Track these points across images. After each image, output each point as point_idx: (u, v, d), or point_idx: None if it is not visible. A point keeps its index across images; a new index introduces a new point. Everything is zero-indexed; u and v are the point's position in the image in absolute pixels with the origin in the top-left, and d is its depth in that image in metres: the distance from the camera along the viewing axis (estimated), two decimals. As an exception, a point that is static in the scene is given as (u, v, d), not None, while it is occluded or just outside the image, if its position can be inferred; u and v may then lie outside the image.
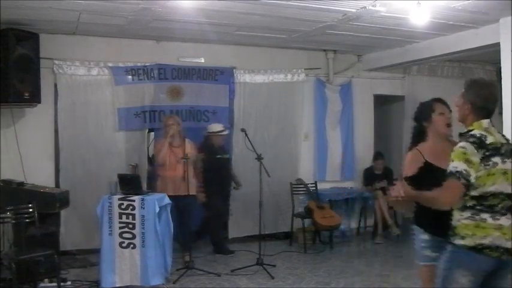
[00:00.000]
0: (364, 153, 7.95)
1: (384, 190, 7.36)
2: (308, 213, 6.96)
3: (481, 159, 2.58)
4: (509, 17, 5.24)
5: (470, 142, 2.60)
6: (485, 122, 2.71)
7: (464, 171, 2.54)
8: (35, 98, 5.69)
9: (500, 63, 5.56)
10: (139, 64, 6.63)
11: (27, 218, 4.85)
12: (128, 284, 4.89)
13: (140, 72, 6.62)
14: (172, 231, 5.27)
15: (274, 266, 5.85)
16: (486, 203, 2.62)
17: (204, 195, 6.22)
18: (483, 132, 2.65)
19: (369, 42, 6.79)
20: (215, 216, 6.45)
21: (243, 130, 5.99)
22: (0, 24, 5.34)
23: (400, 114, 8.44)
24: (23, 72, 5.50)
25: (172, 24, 5.80)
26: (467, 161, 2.56)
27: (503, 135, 2.78)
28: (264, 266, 5.69)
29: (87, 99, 6.40)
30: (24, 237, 4.90)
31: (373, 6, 4.93)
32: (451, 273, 2.67)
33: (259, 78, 7.34)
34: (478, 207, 2.63)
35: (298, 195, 7.32)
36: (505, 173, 2.65)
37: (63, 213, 5.71)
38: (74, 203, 5.72)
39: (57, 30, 6.04)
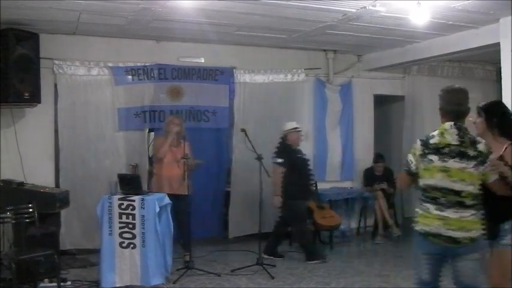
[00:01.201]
0: (364, 153, 7.95)
1: (384, 191, 7.37)
2: (308, 213, 6.95)
3: (420, 155, 3.11)
4: (509, 17, 5.24)
5: (420, 140, 3.16)
6: (447, 125, 3.12)
7: (409, 161, 3.20)
8: (35, 98, 5.69)
9: (500, 63, 5.56)
10: (139, 64, 6.63)
11: (27, 218, 4.84)
12: (128, 284, 4.88)
13: (140, 72, 6.62)
14: (173, 231, 5.27)
15: (274, 266, 5.86)
16: (429, 194, 3.08)
17: (281, 199, 6.11)
18: (437, 133, 3.11)
19: (369, 42, 6.79)
20: (299, 219, 6.27)
21: (243, 130, 5.99)
22: (0, 24, 5.34)
23: (400, 114, 8.45)
24: (23, 72, 5.50)
25: (172, 24, 5.80)
26: (413, 155, 3.17)
27: (464, 138, 3.06)
28: (264, 266, 5.69)
29: (87, 99, 6.41)
30: (24, 237, 4.90)
31: (373, 6, 4.93)
32: (415, 254, 3.22)
33: (259, 78, 7.34)
34: (423, 198, 3.13)
35: (298, 195, 7.30)
36: (444, 170, 3.03)
37: (63, 213, 5.71)
38: (74, 203, 5.72)
39: (57, 30, 6.04)
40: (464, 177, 3.01)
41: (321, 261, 6.11)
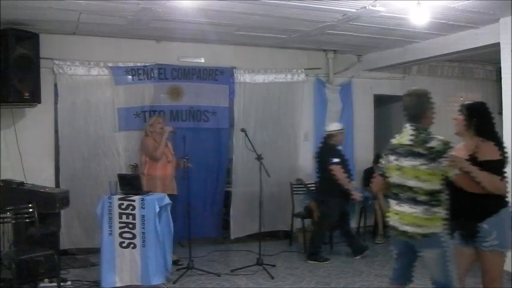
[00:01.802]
0: (364, 154, 7.94)
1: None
2: (308, 213, 6.96)
3: (385, 156, 3.44)
4: (509, 17, 5.24)
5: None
6: (406, 126, 3.37)
7: (382, 165, 3.49)
8: (35, 98, 5.69)
9: (500, 63, 5.56)
10: (139, 64, 6.63)
11: (27, 218, 4.85)
12: (128, 284, 4.89)
13: (140, 72, 6.62)
14: (173, 231, 5.27)
15: (274, 266, 5.86)
16: (392, 191, 3.35)
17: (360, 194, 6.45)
18: (398, 134, 3.41)
19: (369, 42, 6.79)
20: (341, 216, 6.47)
21: (243, 130, 5.99)
22: (0, 24, 5.34)
23: (400, 114, 8.40)
24: (23, 72, 5.50)
25: (172, 24, 5.80)
26: (383, 156, 3.49)
27: (416, 137, 3.23)
28: (264, 266, 5.70)
29: (87, 99, 6.40)
30: (24, 237, 4.91)
31: (373, 6, 4.93)
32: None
33: (259, 78, 7.34)
34: (389, 194, 3.40)
35: (298, 195, 7.32)
36: (398, 169, 3.28)
37: (63, 213, 5.71)
38: (74, 203, 5.71)
39: (57, 30, 6.04)
40: (415, 174, 3.19)
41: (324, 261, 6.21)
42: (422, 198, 3.17)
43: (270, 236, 7.23)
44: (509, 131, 5.33)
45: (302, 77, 7.55)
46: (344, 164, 6.31)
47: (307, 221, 7.01)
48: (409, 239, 3.23)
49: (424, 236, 3.15)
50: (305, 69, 7.56)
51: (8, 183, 5.25)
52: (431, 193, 3.16)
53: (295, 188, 7.25)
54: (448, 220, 3.17)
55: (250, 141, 5.83)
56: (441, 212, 3.16)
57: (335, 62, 7.80)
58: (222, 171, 7.28)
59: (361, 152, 7.96)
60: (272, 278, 5.47)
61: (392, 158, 3.35)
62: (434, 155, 3.12)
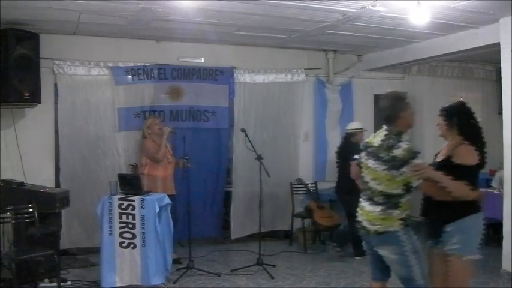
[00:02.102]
0: (364, 153, 7.93)
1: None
2: (308, 213, 6.96)
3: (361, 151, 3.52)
4: (509, 17, 5.24)
5: None
6: (382, 126, 3.42)
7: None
8: (35, 98, 5.69)
9: (500, 63, 5.56)
10: (139, 64, 6.62)
11: (27, 218, 4.85)
12: (128, 284, 4.89)
13: (140, 72, 6.62)
14: (173, 231, 5.27)
15: (274, 266, 5.86)
16: (365, 189, 3.41)
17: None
18: (373, 134, 3.50)
19: (369, 42, 6.78)
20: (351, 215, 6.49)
21: (243, 130, 5.99)
22: (0, 24, 5.34)
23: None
24: (23, 72, 5.49)
25: (172, 24, 5.80)
26: None
27: (385, 141, 3.30)
28: (264, 266, 5.70)
29: (87, 99, 6.40)
30: (24, 237, 4.91)
31: (373, 6, 4.93)
32: None
33: (259, 78, 7.33)
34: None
35: (298, 195, 7.32)
36: (366, 167, 3.40)
37: (63, 213, 5.70)
38: (74, 203, 5.71)
39: (57, 30, 6.04)
40: (375, 176, 3.30)
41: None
42: (378, 199, 3.27)
43: (270, 236, 7.23)
44: (509, 131, 5.33)
45: (302, 77, 7.55)
46: None
47: (307, 221, 7.02)
48: (367, 234, 3.35)
49: (379, 233, 3.26)
50: (305, 69, 7.56)
51: (8, 183, 5.25)
52: (388, 196, 3.23)
53: (295, 188, 7.26)
54: (406, 219, 3.24)
55: (250, 141, 5.83)
56: (398, 213, 3.22)
57: (335, 62, 7.80)
58: (222, 171, 7.28)
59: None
60: (272, 278, 5.48)
61: (363, 155, 3.48)
62: (395, 164, 3.17)
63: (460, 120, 3.43)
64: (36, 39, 5.69)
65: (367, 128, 8.07)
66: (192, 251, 5.65)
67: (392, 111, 3.34)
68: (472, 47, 6.04)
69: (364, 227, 3.38)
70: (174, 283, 5.23)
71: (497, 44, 5.48)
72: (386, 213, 3.24)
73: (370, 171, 3.34)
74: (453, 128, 3.41)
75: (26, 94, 5.52)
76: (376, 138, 3.39)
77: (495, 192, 6.21)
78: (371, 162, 3.34)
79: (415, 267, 3.22)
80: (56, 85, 6.25)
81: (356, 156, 6.35)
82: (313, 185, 7.40)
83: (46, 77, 6.02)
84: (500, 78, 5.58)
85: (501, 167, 5.77)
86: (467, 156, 3.24)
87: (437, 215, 3.32)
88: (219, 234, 7.24)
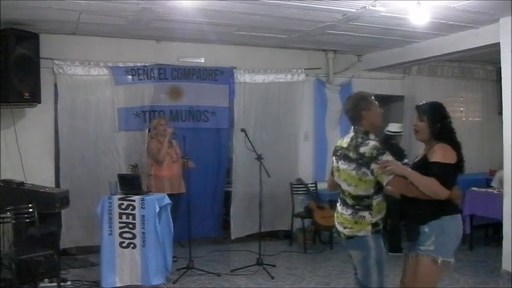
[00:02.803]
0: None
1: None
2: (308, 213, 6.96)
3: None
4: (509, 17, 5.24)
5: None
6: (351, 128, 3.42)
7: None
8: (35, 98, 5.69)
9: (500, 63, 5.56)
10: (139, 64, 6.62)
11: (27, 218, 4.85)
12: (128, 284, 4.89)
13: (140, 72, 6.62)
14: (173, 231, 5.27)
15: (274, 266, 5.86)
16: (340, 192, 3.39)
17: None
18: (342, 137, 3.51)
19: (369, 42, 6.78)
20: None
21: (243, 130, 5.99)
22: (0, 24, 5.34)
23: (399, 114, 8.45)
24: (23, 72, 5.49)
25: (172, 24, 5.80)
26: None
27: (352, 141, 3.31)
28: (264, 266, 5.70)
29: (87, 99, 6.40)
30: (24, 237, 4.91)
31: (373, 6, 4.93)
32: None
33: (259, 78, 7.33)
34: None
35: (298, 195, 7.32)
36: (337, 170, 3.40)
37: (63, 213, 5.71)
38: (74, 203, 5.71)
39: (57, 30, 6.04)
40: (345, 178, 3.28)
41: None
42: (349, 201, 3.26)
43: (270, 236, 7.23)
44: (509, 131, 5.33)
45: (302, 77, 7.55)
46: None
47: (307, 221, 7.02)
48: (339, 237, 3.39)
49: (348, 237, 3.26)
50: (305, 69, 7.55)
51: (8, 183, 5.25)
52: (358, 198, 3.22)
53: (295, 188, 7.26)
54: (378, 225, 3.20)
55: (250, 141, 5.83)
56: (369, 216, 3.19)
57: (335, 62, 7.80)
58: (222, 171, 7.28)
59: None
60: (272, 278, 5.48)
61: (334, 158, 3.47)
62: (364, 161, 3.16)
63: (443, 121, 3.27)
64: (36, 39, 5.69)
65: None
66: (192, 251, 5.65)
67: (355, 111, 3.37)
68: (472, 47, 6.04)
69: (336, 230, 3.39)
70: (174, 283, 5.23)
71: (497, 44, 5.49)
72: (357, 216, 3.21)
73: (341, 173, 3.32)
74: (432, 129, 3.24)
75: (26, 94, 5.52)
76: (345, 140, 3.39)
77: (495, 192, 6.21)
78: (341, 164, 3.32)
79: (374, 275, 3.21)
80: (56, 85, 6.25)
81: (406, 160, 6.45)
82: (313, 185, 7.39)
83: (46, 77, 6.02)
84: (500, 78, 5.58)
85: (501, 167, 5.77)
86: (443, 154, 3.12)
87: (413, 216, 3.23)
88: (219, 233, 7.24)
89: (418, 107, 3.38)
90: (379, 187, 3.20)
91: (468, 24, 5.67)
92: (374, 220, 3.19)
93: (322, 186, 7.51)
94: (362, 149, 3.18)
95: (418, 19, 4.85)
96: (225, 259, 6.37)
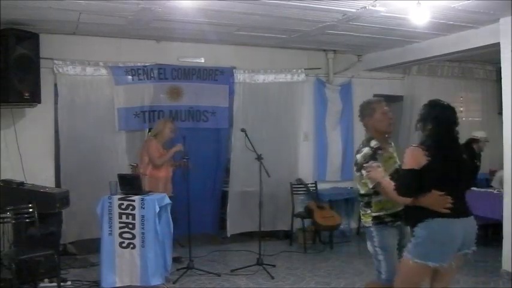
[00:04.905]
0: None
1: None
2: (308, 213, 6.96)
3: None
4: (509, 17, 5.24)
5: None
6: None
7: None
8: (35, 98, 5.69)
9: (500, 63, 5.56)
10: (139, 64, 6.63)
11: (27, 218, 4.85)
12: (128, 284, 4.89)
13: (140, 72, 6.62)
14: (173, 231, 5.27)
15: (274, 266, 5.86)
16: None
17: None
18: None
19: (369, 42, 6.79)
20: None
21: (243, 130, 5.98)
22: (0, 24, 5.34)
23: (399, 114, 8.45)
24: (23, 72, 5.50)
25: (172, 24, 5.80)
26: None
27: (361, 143, 3.63)
28: (264, 266, 5.70)
29: (87, 99, 6.40)
30: (24, 237, 4.91)
31: (373, 6, 4.93)
32: None
33: (259, 78, 7.34)
34: None
35: (298, 195, 7.32)
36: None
37: (63, 213, 5.71)
38: (74, 203, 5.71)
39: (57, 30, 6.04)
40: (355, 178, 3.77)
41: None
42: (359, 198, 3.67)
43: (270, 236, 7.23)
44: (509, 131, 5.33)
45: (302, 77, 7.55)
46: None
47: (307, 221, 7.02)
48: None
49: (363, 227, 3.71)
50: (305, 69, 7.55)
51: (8, 183, 5.25)
52: (362, 196, 3.61)
53: (295, 188, 7.26)
54: (380, 218, 3.50)
55: (250, 141, 5.83)
56: (370, 212, 3.54)
57: (335, 62, 7.80)
58: (221, 170, 7.29)
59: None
60: (272, 278, 5.47)
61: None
62: (357, 167, 3.53)
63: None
64: (36, 39, 5.69)
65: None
66: (192, 251, 5.64)
67: (361, 119, 3.70)
68: (472, 47, 6.05)
69: None
70: (174, 283, 5.22)
71: (497, 44, 5.49)
72: (363, 211, 3.61)
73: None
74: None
75: (26, 94, 5.52)
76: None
77: (495, 192, 6.21)
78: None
79: (383, 262, 3.50)
80: (56, 85, 6.25)
81: (474, 188, 6.58)
82: (313, 185, 7.39)
83: (46, 77, 6.02)
84: (500, 78, 5.58)
85: (501, 167, 5.77)
86: (406, 158, 3.14)
87: (405, 219, 3.38)
88: (217, 231, 7.27)
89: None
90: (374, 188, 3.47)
91: (468, 24, 5.67)
92: (374, 215, 3.52)
93: (322, 186, 7.54)
94: (357, 156, 3.55)
95: (418, 19, 4.85)
96: (225, 259, 6.37)
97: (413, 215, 3.17)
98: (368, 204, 3.55)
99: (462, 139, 3.41)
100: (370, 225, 3.55)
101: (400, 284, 3.25)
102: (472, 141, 6.84)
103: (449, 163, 3.09)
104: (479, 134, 7.04)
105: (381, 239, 3.51)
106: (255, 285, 5.28)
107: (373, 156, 3.45)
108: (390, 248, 3.51)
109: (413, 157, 3.08)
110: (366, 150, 3.50)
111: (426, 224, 3.08)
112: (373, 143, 3.51)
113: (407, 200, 3.14)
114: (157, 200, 4.97)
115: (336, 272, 5.78)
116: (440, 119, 3.16)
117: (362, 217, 3.66)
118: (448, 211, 3.05)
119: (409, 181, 3.08)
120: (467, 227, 3.15)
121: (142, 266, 4.83)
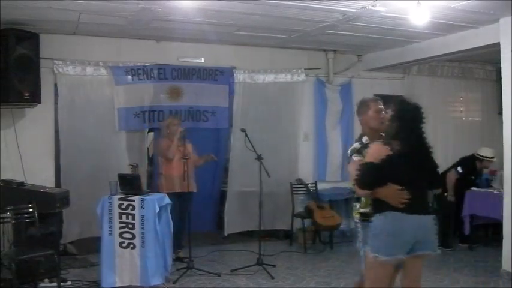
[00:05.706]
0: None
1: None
2: (308, 213, 6.96)
3: None
4: (509, 17, 5.24)
5: None
6: None
7: None
8: (35, 98, 5.69)
9: (500, 63, 5.56)
10: (139, 64, 6.63)
11: (27, 218, 4.85)
12: (128, 284, 4.89)
13: (140, 72, 6.62)
14: (172, 231, 5.27)
15: (274, 266, 5.86)
16: None
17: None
18: None
19: (369, 42, 6.79)
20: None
21: (243, 130, 5.98)
22: (0, 24, 5.34)
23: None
24: (23, 72, 5.50)
25: (172, 24, 5.80)
26: None
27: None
28: (264, 266, 5.70)
29: (87, 99, 6.40)
30: (24, 237, 4.90)
31: (373, 6, 4.94)
32: None
33: (259, 78, 7.34)
34: None
35: (298, 195, 7.32)
36: None
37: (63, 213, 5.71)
38: (74, 203, 5.71)
39: (57, 30, 6.04)
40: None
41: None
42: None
43: (270, 236, 7.23)
44: (509, 131, 5.33)
45: (302, 77, 7.55)
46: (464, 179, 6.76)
47: (307, 221, 7.02)
48: None
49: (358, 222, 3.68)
50: (305, 69, 7.55)
51: (8, 183, 5.25)
52: (353, 191, 3.47)
53: (295, 188, 7.26)
54: (367, 215, 3.43)
55: (250, 141, 5.83)
56: (359, 206, 3.57)
57: (335, 62, 7.80)
58: (220, 170, 7.30)
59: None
60: (272, 278, 5.47)
61: None
62: (347, 161, 3.64)
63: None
64: (36, 39, 5.69)
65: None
66: (192, 251, 5.64)
67: (358, 115, 3.78)
68: (472, 47, 6.05)
69: None
70: (174, 283, 5.22)
71: (497, 44, 5.49)
72: (353, 206, 3.65)
73: None
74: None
75: (26, 94, 5.52)
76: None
77: (495, 192, 6.21)
78: None
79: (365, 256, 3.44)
80: (56, 85, 6.25)
81: (460, 170, 6.71)
82: (313, 185, 7.39)
83: (46, 77, 6.02)
84: (500, 78, 5.58)
85: (501, 167, 5.77)
86: (368, 153, 3.29)
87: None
88: (215, 229, 7.29)
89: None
90: None
91: (468, 24, 5.67)
92: (362, 211, 3.54)
93: (322, 186, 7.54)
94: (348, 151, 3.63)
95: (418, 19, 4.85)
96: (225, 259, 6.37)
97: (374, 207, 3.26)
98: (357, 200, 3.60)
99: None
100: (357, 221, 3.62)
101: (367, 279, 3.28)
102: (476, 158, 6.75)
103: (408, 159, 3.14)
104: (484, 153, 6.72)
105: (364, 234, 3.47)
106: (255, 285, 5.28)
107: (359, 150, 3.50)
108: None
109: (375, 151, 3.20)
110: (356, 145, 3.60)
111: (381, 216, 3.16)
112: (364, 139, 3.58)
113: (367, 193, 3.22)
114: (157, 200, 4.97)
115: (336, 272, 5.78)
116: (405, 117, 3.23)
117: (352, 212, 3.72)
118: (402, 206, 3.10)
119: (366, 174, 3.15)
120: (421, 225, 3.15)
121: (142, 266, 4.83)
